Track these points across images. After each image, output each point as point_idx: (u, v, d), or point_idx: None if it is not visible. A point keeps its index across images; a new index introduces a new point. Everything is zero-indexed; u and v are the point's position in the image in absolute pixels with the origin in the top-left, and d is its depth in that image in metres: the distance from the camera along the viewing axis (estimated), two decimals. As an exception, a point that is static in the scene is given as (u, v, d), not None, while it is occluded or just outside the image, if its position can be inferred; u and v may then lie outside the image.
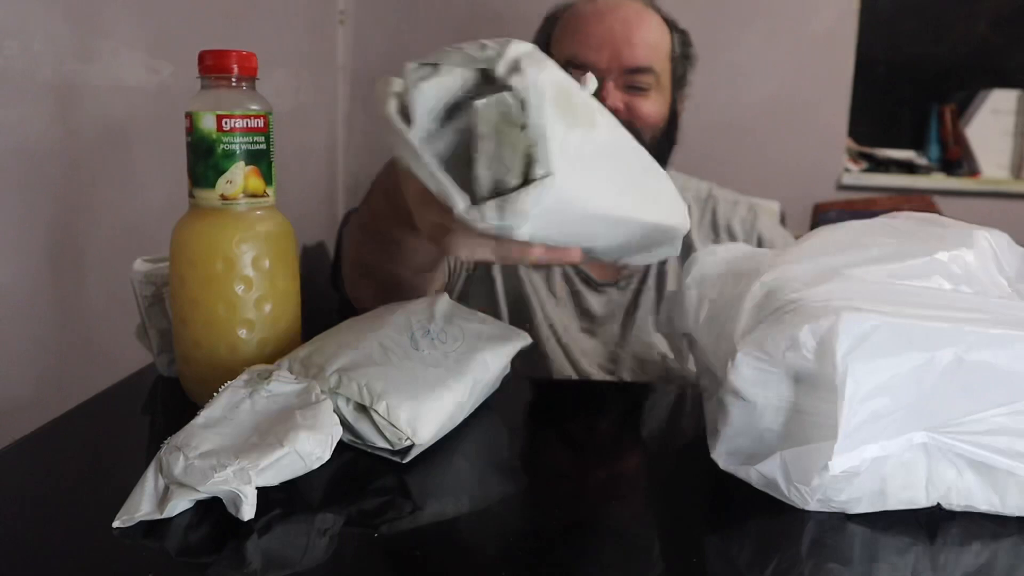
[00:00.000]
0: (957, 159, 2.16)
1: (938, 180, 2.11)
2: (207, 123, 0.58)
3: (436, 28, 1.98)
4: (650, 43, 1.03)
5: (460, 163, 0.43)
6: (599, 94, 1.00)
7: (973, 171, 2.14)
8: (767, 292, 0.50)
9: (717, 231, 1.12)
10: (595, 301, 1.10)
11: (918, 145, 2.24)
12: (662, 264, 1.10)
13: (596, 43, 1.01)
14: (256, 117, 0.59)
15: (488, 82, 0.42)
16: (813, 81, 1.98)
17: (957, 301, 0.48)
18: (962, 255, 0.52)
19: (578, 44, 1.02)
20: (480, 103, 0.41)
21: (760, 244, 1.10)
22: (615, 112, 0.99)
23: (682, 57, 1.10)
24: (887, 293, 0.48)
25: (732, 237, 1.11)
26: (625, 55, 1.01)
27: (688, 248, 1.11)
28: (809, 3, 1.95)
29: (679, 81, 1.10)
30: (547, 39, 1.09)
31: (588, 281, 1.11)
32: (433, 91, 0.43)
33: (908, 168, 2.16)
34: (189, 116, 0.59)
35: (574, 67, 1.02)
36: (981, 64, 2.21)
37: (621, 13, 1.03)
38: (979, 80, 2.17)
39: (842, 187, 2.04)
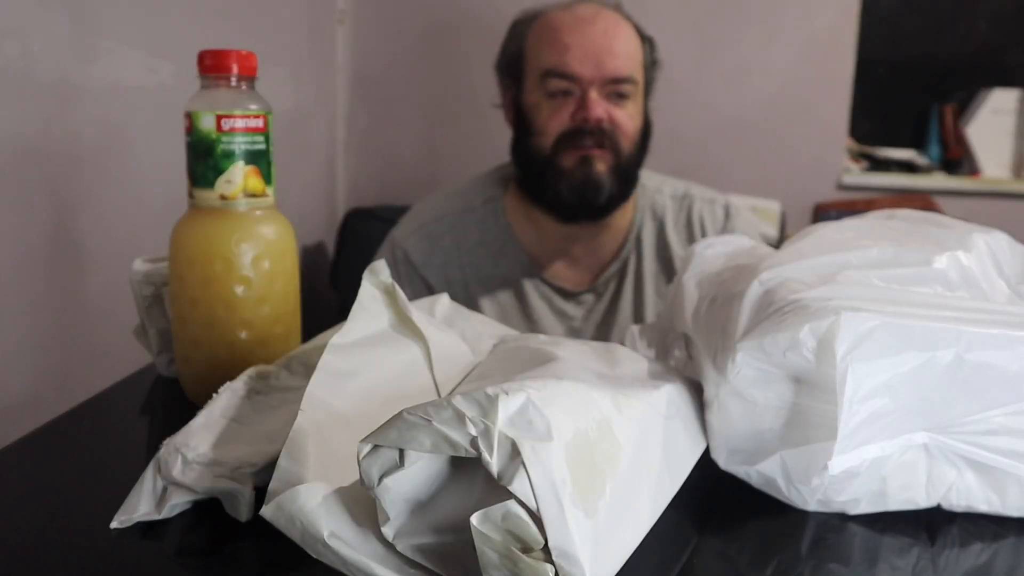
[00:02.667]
0: (958, 159, 2.16)
1: (939, 180, 2.11)
2: (206, 123, 0.58)
3: (436, 28, 1.98)
4: (629, 53, 1.05)
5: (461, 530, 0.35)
6: (585, 104, 1.01)
7: (974, 171, 2.14)
8: (766, 291, 0.49)
9: (691, 230, 1.13)
10: (574, 311, 1.11)
11: (919, 145, 2.24)
12: (639, 266, 1.11)
13: (579, 54, 1.02)
14: (255, 117, 0.59)
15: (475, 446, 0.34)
16: (813, 81, 1.98)
17: (958, 302, 0.48)
18: (959, 259, 0.52)
19: (559, 54, 1.03)
20: (476, 521, 0.33)
21: None
22: (599, 123, 1.01)
23: (651, 64, 1.11)
24: (887, 293, 0.48)
25: (704, 235, 1.12)
26: (608, 66, 1.02)
27: (664, 246, 1.12)
28: (809, 3, 1.95)
29: (649, 88, 1.11)
30: (519, 48, 1.10)
31: (563, 293, 1.12)
32: (402, 483, 0.35)
33: (909, 168, 2.16)
34: (188, 116, 0.59)
35: (555, 77, 1.03)
36: (981, 64, 2.21)
37: (600, 24, 1.03)
38: (979, 80, 2.17)
39: (842, 187, 2.04)
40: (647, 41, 1.10)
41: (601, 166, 1.03)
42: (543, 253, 1.12)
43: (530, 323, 1.09)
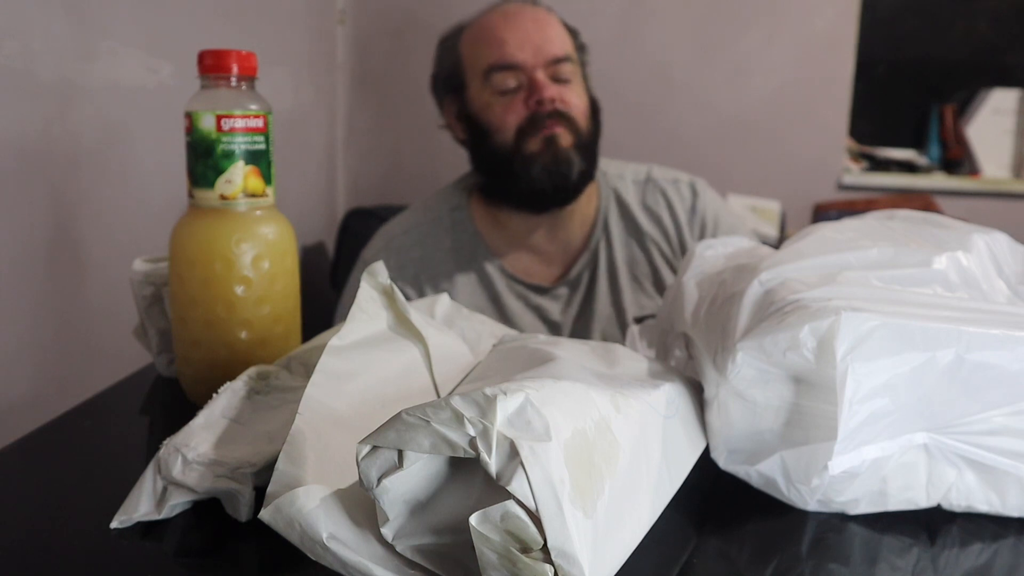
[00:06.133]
0: (958, 159, 2.16)
1: (939, 180, 2.11)
2: (206, 123, 0.58)
3: (436, 28, 1.98)
4: (563, 36, 1.10)
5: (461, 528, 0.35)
6: (535, 88, 1.05)
7: (974, 171, 2.14)
8: (766, 291, 0.49)
9: (658, 211, 1.15)
10: (551, 306, 1.13)
11: (919, 145, 2.24)
12: (610, 254, 1.13)
13: (518, 42, 1.06)
14: (255, 117, 0.59)
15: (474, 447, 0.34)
16: (813, 81, 1.98)
17: (958, 302, 0.48)
18: (959, 260, 0.52)
19: (498, 48, 1.07)
20: (475, 521, 0.33)
21: (704, 222, 1.14)
22: (553, 103, 1.04)
23: (581, 50, 1.16)
24: (887, 293, 0.48)
25: (673, 216, 1.14)
26: (546, 47, 1.07)
27: (633, 230, 1.14)
28: (809, 3, 1.95)
29: (584, 72, 1.15)
30: (455, 59, 1.13)
31: (537, 289, 1.13)
32: (401, 484, 0.35)
33: (909, 168, 2.16)
34: (188, 116, 0.59)
35: (500, 71, 1.06)
36: (981, 64, 2.21)
37: (528, 13, 1.10)
38: (980, 80, 2.17)
39: (842, 187, 2.04)
40: (572, 31, 1.15)
41: (566, 141, 1.05)
42: (512, 253, 1.14)
43: (507, 323, 1.10)
